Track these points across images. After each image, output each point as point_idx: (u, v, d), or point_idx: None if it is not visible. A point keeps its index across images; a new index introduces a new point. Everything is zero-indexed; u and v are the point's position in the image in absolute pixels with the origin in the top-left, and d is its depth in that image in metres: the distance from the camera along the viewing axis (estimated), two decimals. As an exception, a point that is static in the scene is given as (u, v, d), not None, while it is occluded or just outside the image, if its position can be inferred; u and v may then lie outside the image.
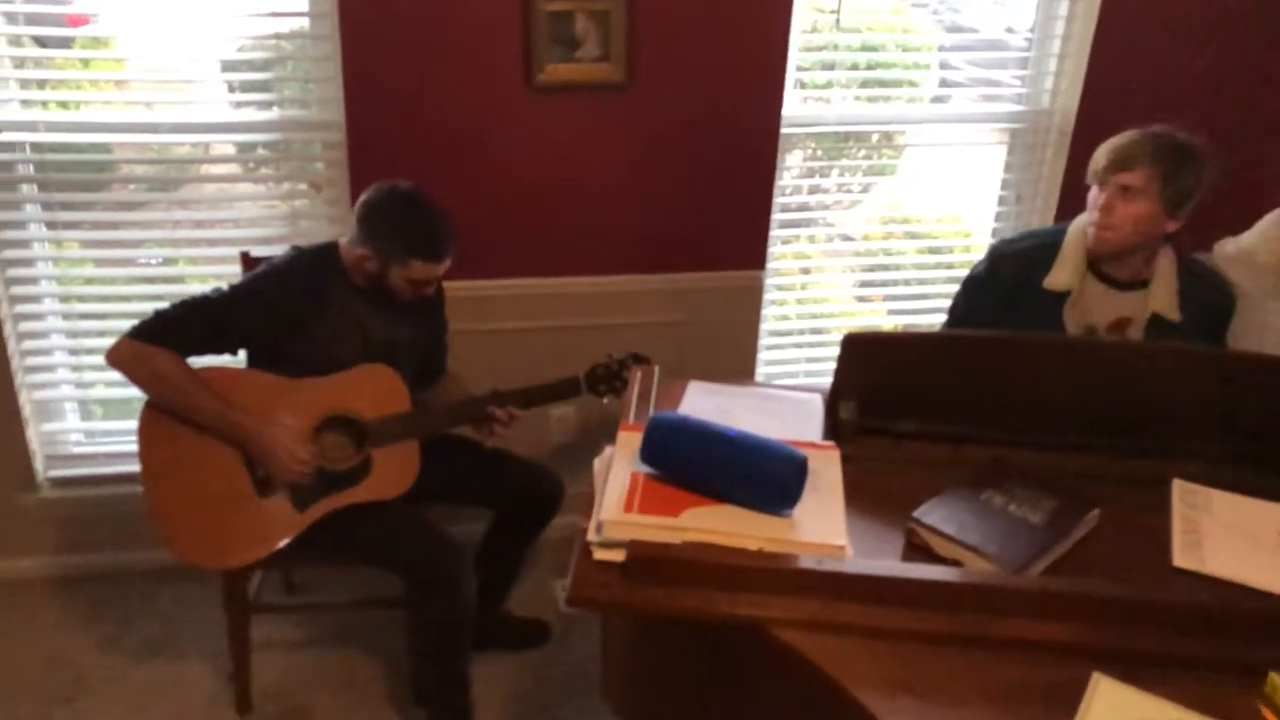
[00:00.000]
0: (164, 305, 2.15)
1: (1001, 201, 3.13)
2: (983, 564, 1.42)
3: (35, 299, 2.68)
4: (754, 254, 2.92)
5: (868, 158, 3.41)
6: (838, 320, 3.28)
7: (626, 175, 2.75)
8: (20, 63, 2.51)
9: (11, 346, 2.65)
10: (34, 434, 2.77)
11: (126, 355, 2.11)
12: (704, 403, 1.88)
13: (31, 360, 2.72)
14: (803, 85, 2.87)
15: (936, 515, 1.49)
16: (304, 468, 2.15)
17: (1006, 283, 2.20)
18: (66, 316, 2.73)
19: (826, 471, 1.54)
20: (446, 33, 2.52)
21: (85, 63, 2.68)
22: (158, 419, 2.15)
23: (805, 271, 3.23)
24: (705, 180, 2.79)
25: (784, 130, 2.80)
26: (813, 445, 1.61)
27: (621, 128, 2.69)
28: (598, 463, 1.59)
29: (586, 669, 2.64)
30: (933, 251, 3.36)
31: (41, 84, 2.54)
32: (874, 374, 1.81)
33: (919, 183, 3.36)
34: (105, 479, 2.82)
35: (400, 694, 2.52)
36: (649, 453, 1.48)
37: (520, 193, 2.72)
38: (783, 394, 1.94)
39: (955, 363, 1.80)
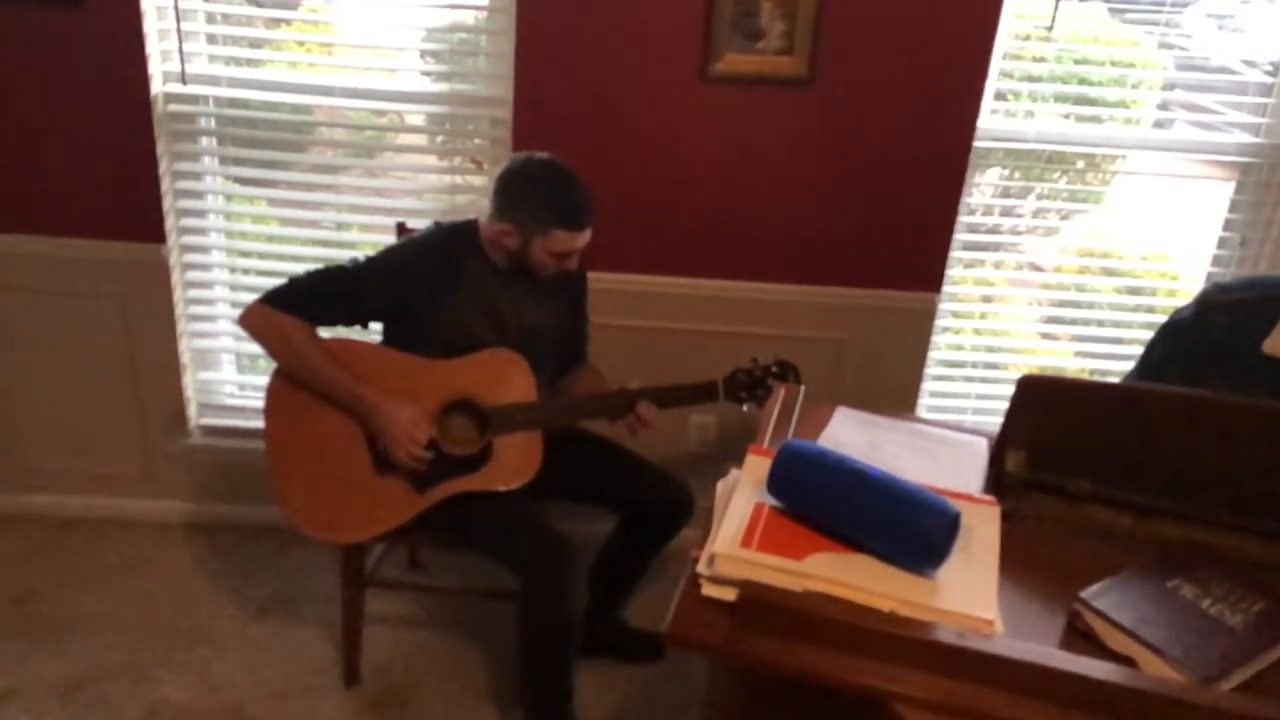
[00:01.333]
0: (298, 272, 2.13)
1: (1222, 244, 2.78)
2: (1162, 667, 1.19)
3: (204, 249, 2.75)
4: (930, 275, 2.69)
5: (1070, 183, 3.12)
6: (1018, 357, 3.00)
7: (798, 177, 2.58)
8: (212, 18, 2.56)
9: (177, 294, 2.72)
10: (190, 381, 2.84)
11: (257, 319, 2.10)
12: (851, 433, 1.70)
13: (195, 309, 2.79)
14: (1004, 97, 2.62)
15: (1110, 600, 1.27)
16: (419, 450, 2.09)
17: (1215, 336, 1.90)
18: (232, 270, 2.79)
19: (982, 530, 1.34)
20: (624, 12, 2.41)
21: (312, 25, 2.73)
22: (285, 388, 2.14)
23: (986, 300, 2.97)
24: (884, 190, 2.59)
25: (977, 143, 2.56)
26: (969, 498, 1.40)
27: (798, 126, 2.52)
28: (721, 485, 1.44)
29: (700, 691, 2.49)
30: (1132, 292, 3.03)
31: (231, 40, 2.59)
32: (1051, 423, 1.58)
33: (1124, 215, 3.03)
34: (252, 432, 2.85)
35: (506, 691, 2.45)
36: (777, 483, 1.31)
37: (682, 186, 2.59)
38: (942, 434, 1.74)
39: (1150, 421, 1.55)
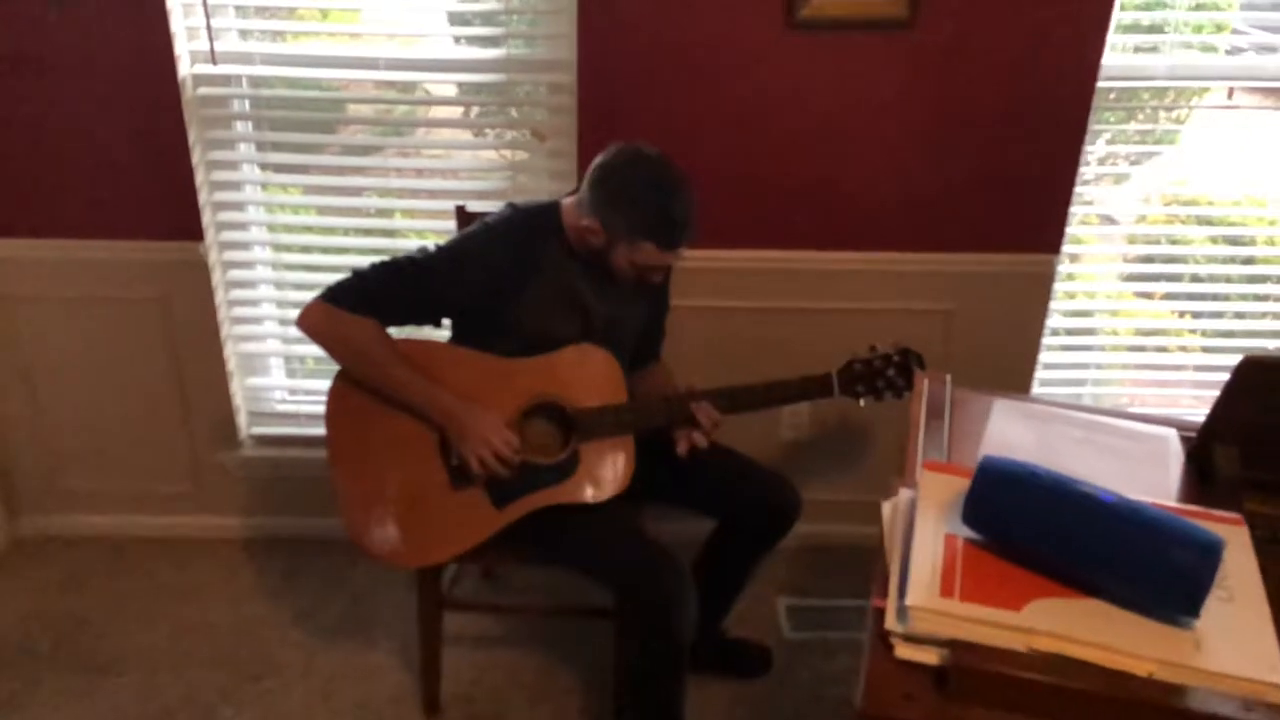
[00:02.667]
0: (362, 265, 1.90)
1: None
2: None
3: (244, 245, 2.52)
4: (1047, 234, 2.41)
5: (1143, 122, 2.81)
6: (1116, 320, 2.72)
7: (899, 131, 2.30)
8: (240, -11, 2.32)
9: (219, 296, 2.50)
10: (238, 388, 2.63)
11: (319, 320, 1.87)
12: (1018, 431, 1.44)
13: (239, 310, 2.57)
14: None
15: None
16: (513, 455, 1.87)
17: None
18: (275, 266, 2.57)
19: (1236, 559, 1.08)
20: (700, -45, 2.14)
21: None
22: (349, 393, 1.92)
23: (1073, 259, 2.68)
24: (997, 141, 2.31)
25: (1101, 83, 2.26)
26: (1207, 515, 1.14)
27: (898, 74, 2.24)
28: (887, 509, 1.19)
29: (812, 706, 2.27)
30: (1230, 241, 2.73)
31: (261, 13, 2.35)
32: (1268, 411, 1.31)
33: (1206, 156, 2.71)
34: (308, 440, 2.65)
35: (601, 713, 2.23)
36: (979, 511, 1.06)
37: (769, 148, 2.32)
38: (1119, 425, 1.48)
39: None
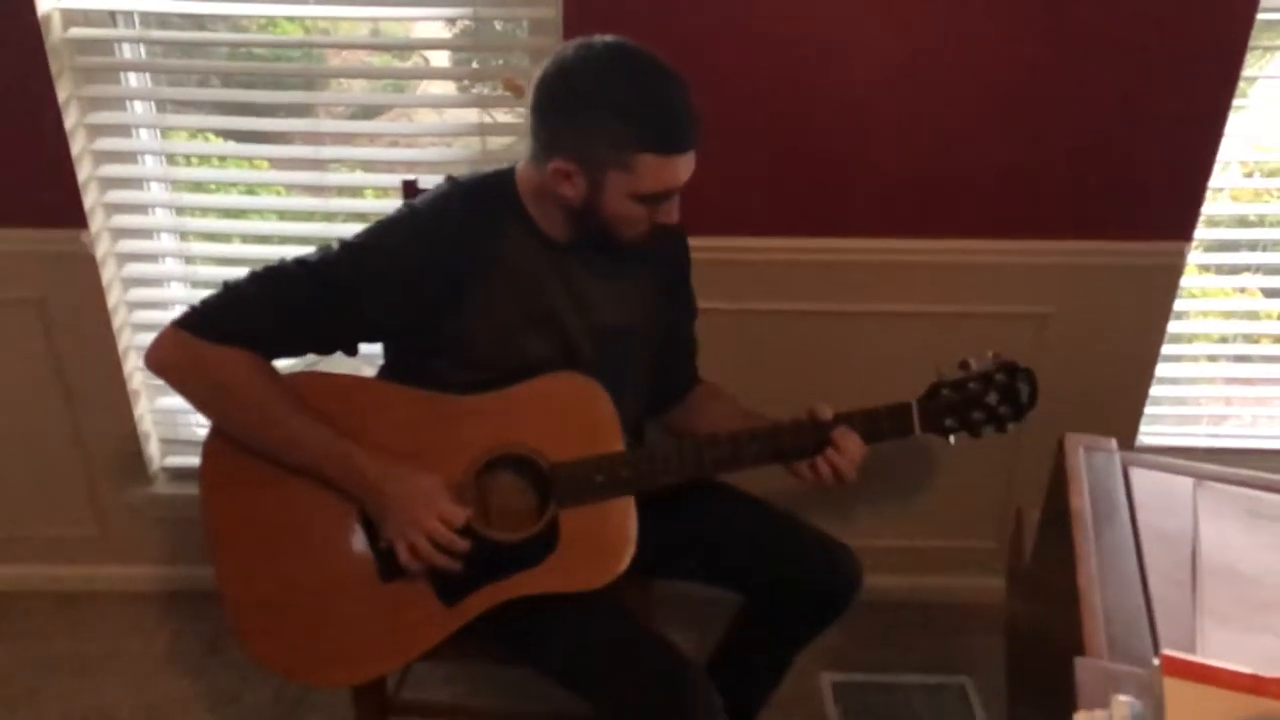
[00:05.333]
0: (235, 277, 1.38)
1: None
2: None
3: (145, 233, 2.02)
4: (1177, 216, 1.88)
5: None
6: (1222, 324, 2.23)
7: (985, 81, 1.78)
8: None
9: (114, 296, 1.99)
10: (146, 411, 2.13)
11: (175, 356, 1.36)
12: (1243, 538, 0.91)
13: (142, 315, 2.06)
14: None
15: None
16: (452, 539, 1.35)
17: None
18: (187, 259, 2.05)
19: None
20: None
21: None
22: (228, 455, 1.40)
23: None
24: (1112, 96, 1.78)
25: (1262, 15, 1.72)
26: None
27: (986, 6, 1.71)
28: (1082, 728, 0.65)
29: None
30: None
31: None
32: None
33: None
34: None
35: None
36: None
37: (812, 105, 1.81)
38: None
39: None
